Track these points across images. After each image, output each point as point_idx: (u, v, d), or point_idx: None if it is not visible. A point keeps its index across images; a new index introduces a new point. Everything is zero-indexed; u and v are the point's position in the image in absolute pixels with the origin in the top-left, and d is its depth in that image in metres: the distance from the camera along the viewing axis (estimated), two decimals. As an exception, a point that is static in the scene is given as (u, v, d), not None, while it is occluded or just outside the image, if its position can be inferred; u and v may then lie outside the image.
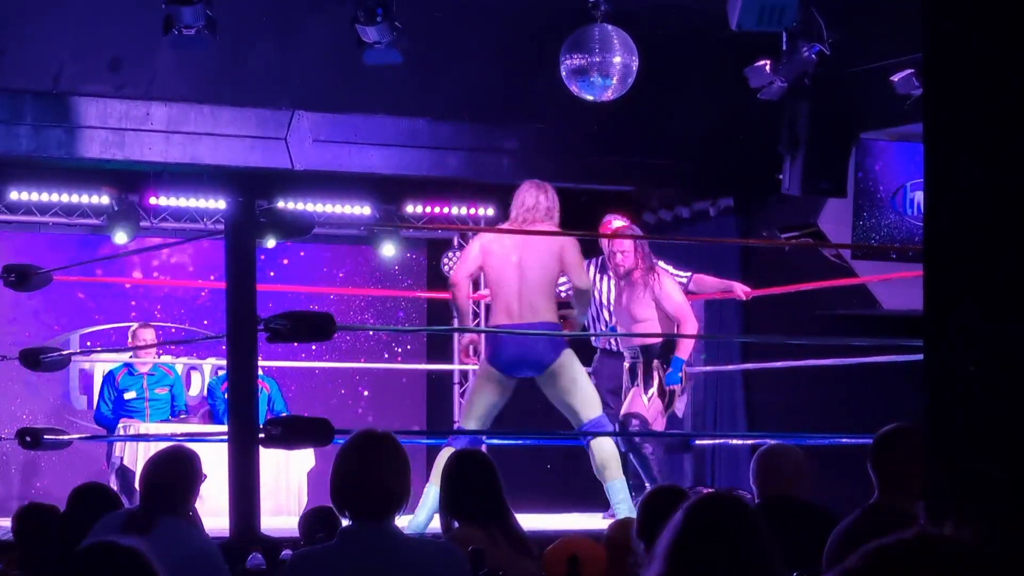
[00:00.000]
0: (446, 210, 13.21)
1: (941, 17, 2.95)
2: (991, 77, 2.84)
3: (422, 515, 8.19)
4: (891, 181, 10.87)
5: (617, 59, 9.70)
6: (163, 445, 5.86)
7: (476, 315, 12.31)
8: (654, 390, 9.12)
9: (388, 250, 13.24)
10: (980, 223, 2.84)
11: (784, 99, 10.08)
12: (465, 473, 5.11)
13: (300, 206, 12.23)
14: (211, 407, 11.61)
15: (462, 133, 11.46)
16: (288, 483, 10.53)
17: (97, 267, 12.06)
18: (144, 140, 10.75)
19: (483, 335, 8.50)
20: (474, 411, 8.46)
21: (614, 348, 9.73)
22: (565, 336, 8.54)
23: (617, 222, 9.59)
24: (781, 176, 10.46)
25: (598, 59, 9.68)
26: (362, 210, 12.83)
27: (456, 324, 8.55)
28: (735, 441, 11.58)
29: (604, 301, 9.81)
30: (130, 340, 11.12)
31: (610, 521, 8.97)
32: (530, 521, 7.43)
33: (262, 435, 6.10)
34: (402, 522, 4.25)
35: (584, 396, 8.38)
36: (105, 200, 12.18)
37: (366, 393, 13.34)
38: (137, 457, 10.17)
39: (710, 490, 6.78)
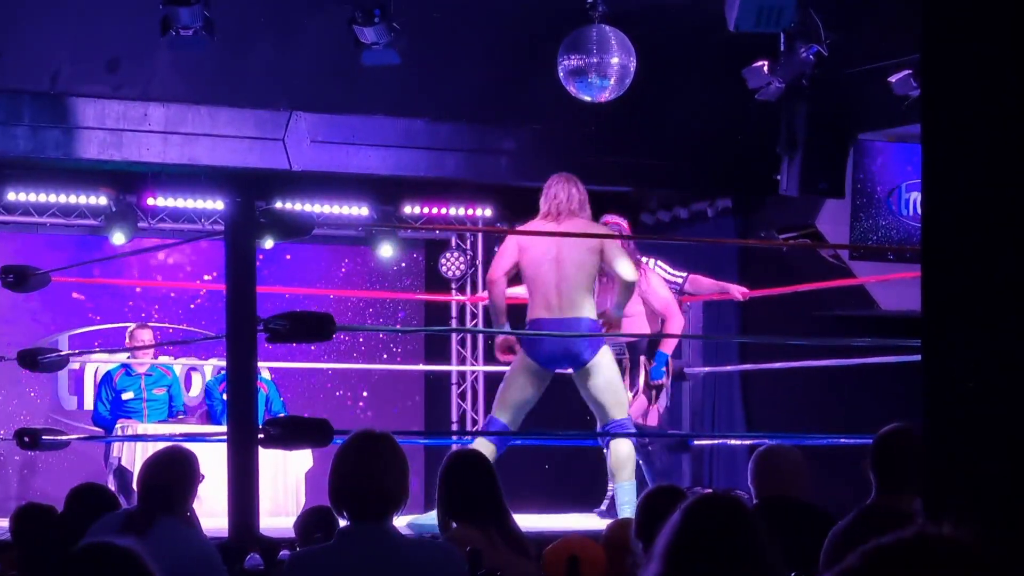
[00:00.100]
0: (444, 211, 13.22)
1: (939, 18, 2.95)
2: (989, 77, 2.84)
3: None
4: (889, 182, 10.88)
5: (615, 60, 9.70)
6: (161, 445, 5.86)
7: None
8: (639, 387, 9.14)
9: (386, 251, 13.24)
10: (978, 223, 2.84)
11: (782, 100, 10.09)
12: (463, 473, 5.11)
13: (298, 207, 12.23)
14: (209, 407, 11.60)
15: (460, 134, 11.46)
16: (286, 483, 10.53)
17: (95, 268, 12.06)
18: (142, 141, 10.74)
19: (523, 329, 8.47)
20: (509, 402, 8.46)
21: None
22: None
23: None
24: (779, 177, 10.46)
25: (596, 60, 9.69)
26: (360, 211, 12.83)
27: (493, 321, 8.52)
28: (733, 441, 11.58)
29: None
30: (128, 341, 11.12)
31: (602, 518, 9.01)
32: (528, 521, 7.43)
33: (261, 436, 6.10)
34: (401, 522, 4.24)
35: (615, 396, 8.44)
36: (103, 201, 12.18)
37: (364, 394, 13.34)
38: (135, 457, 10.17)
39: (708, 491, 6.78)
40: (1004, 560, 1.84)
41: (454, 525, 5.02)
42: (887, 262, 10.59)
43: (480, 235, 13.66)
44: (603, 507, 9.27)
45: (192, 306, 12.90)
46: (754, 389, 11.85)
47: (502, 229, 13.46)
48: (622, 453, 8.50)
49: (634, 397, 9.09)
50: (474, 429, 13.15)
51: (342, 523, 4.23)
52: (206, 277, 12.72)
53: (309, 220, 7.05)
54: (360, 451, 4.20)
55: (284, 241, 10.08)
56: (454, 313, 13.69)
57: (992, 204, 2.82)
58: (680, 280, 9.57)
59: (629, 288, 8.43)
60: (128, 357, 11.27)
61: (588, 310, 8.31)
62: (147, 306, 12.77)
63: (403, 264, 13.56)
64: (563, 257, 8.25)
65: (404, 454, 4.24)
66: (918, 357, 3.04)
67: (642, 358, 8.98)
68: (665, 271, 9.49)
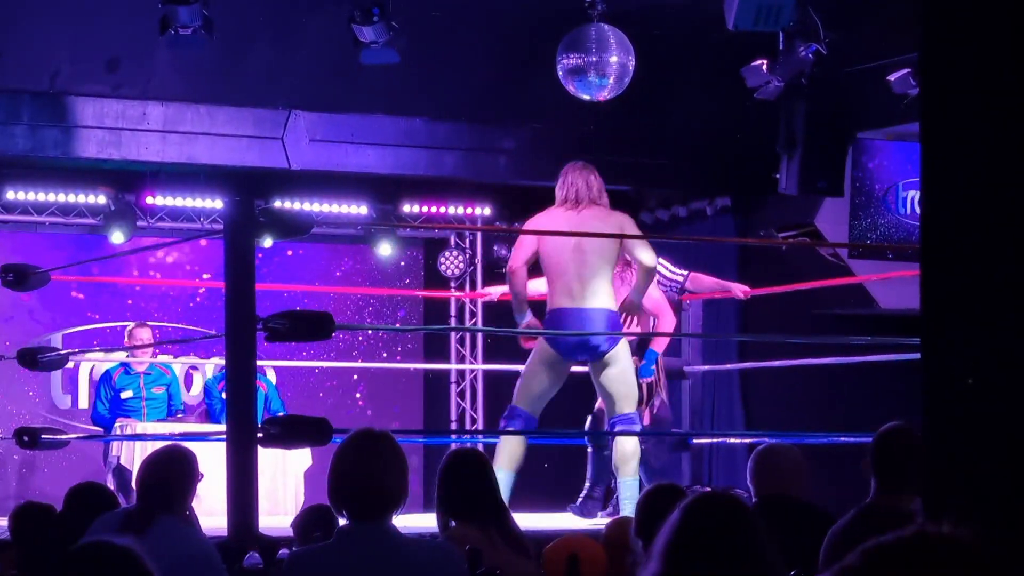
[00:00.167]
0: (443, 209, 13.21)
1: (937, 16, 2.95)
2: (988, 76, 2.84)
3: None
4: (887, 180, 10.88)
5: (614, 59, 9.70)
6: (160, 444, 5.86)
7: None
8: None
9: (385, 249, 13.24)
10: (977, 222, 2.84)
11: (781, 99, 10.08)
12: (461, 472, 5.11)
13: (297, 206, 12.23)
14: (208, 406, 11.60)
15: (459, 133, 11.46)
16: (285, 482, 10.53)
17: (94, 267, 12.05)
18: (141, 140, 10.74)
19: (544, 319, 8.46)
20: (530, 392, 8.48)
21: None
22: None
23: None
24: (778, 175, 10.46)
25: (595, 59, 9.68)
26: (359, 209, 12.82)
27: (515, 309, 8.51)
28: (732, 440, 11.58)
29: None
30: (127, 339, 11.11)
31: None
32: (527, 520, 7.43)
33: (260, 434, 6.10)
34: (400, 521, 4.24)
35: (627, 389, 8.49)
36: (102, 200, 12.17)
37: (364, 392, 13.34)
38: (134, 456, 10.16)
39: (707, 489, 6.78)
40: (1004, 560, 1.84)
41: (453, 524, 5.02)
42: (886, 260, 10.59)
43: (479, 234, 13.66)
44: (577, 502, 9.26)
45: (191, 304, 12.90)
46: (753, 388, 11.85)
47: (501, 228, 13.47)
48: (627, 448, 8.52)
49: None
50: (474, 428, 13.15)
51: (341, 522, 4.23)
52: (205, 276, 12.71)
53: (308, 219, 7.05)
54: (359, 450, 4.20)
55: (283, 240, 10.08)
56: (453, 312, 13.69)
57: (991, 203, 2.82)
58: (681, 278, 9.58)
59: (649, 274, 8.49)
60: (127, 356, 11.27)
61: (609, 300, 8.33)
62: (146, 305, 12.76)
63: (402, 263, 13.56)
64: (584, 246, 8.25)
65: (403, 453, 4.24)
66: (917, 356, 3.04)
67: (634, 358, 9.00)
68: (667, 269, 9.49)
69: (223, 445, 6.16)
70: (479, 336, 13.47)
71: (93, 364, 12.47)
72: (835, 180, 10.49)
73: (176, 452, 5.25)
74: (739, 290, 9.75)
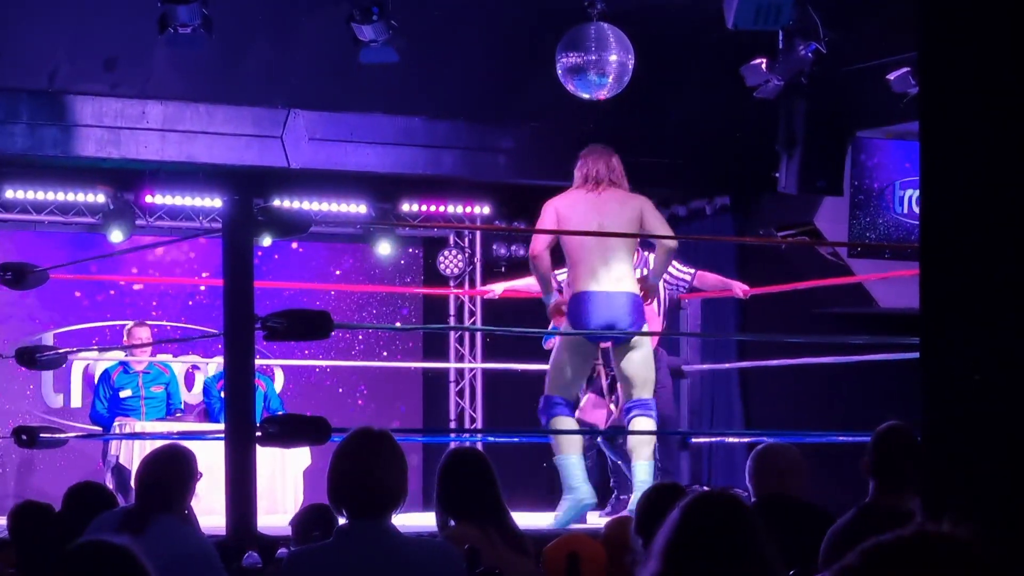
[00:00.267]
0: (442, 208, 13.21)
1: (937, 16, 2.95)
2: (987, 75, 2.84)
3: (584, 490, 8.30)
4: (885, 179, 10.88)
5: (613, 57, 9.70)
6: (159, 443, 5.85)
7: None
8: (589, 393, 9.22)
9: (384, 248, 13.24)
10: (976, 221, 2.84)
11: (780, 97, 10.08)
12: (460, 471, 5.10)
13: (296, 204, 12.22)
14: (207, 405, 11.60)
15: (458, 132, 11.46)
16: (284, 481, 10.53)
17: (92, 265, 12.05)
18: (140, 138, 10.74)
19: (569, 301, 8.44)
20: (563, 379, 8.48)
21: None
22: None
23: None
24: (777, 174, 10.46)
25: (594, 57, 9.68)
26: (358, 208, 12.82)
27: (543, 291, 8.52)
28: (731, 439, 11.58)
29: None
30: (125, 339, 11.11)
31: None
32: (526, 519, 7.43)
33: (259, 433, 6.10)
34: (399, 520, 4.24)
35: (646, 375, 8.50)
36: (101, 198, 12.16)
37: (363, 391, 13.34)
38: (133, 455, 10.16)
39: (706, 488, 6.78)
40: (1004, 559, 1.84)
41: (452, 523, 5.02)
42: (886, 259, 10.59)
43: (478, 233, 13.67)
44: (607, 509, 9.36)
45: (190, 303, 12.89)
46: (753, 387, 11.85)
47: (500, 227, 13.47)
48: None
49: (585, 403, 9.18)
50: (473, 427, 13.15)
51: (340, 521, 4.23)
52: (204, 275, 12.71)
53: (306, 218, 7.05)
54: (359, 449, 4.20)
55: (282, 239, 10.07)
56: (452, 311, 13.69)
57: (991, 202, 2.82)
58: (689, 276, 9.61)
59: (669, 254, 8.57)
60: (126, 355, 11.26)
61: (632, 284, 8.34)
62: (145, 303, 12.76)
63: (402, 262, 13.56)
64: (606, 227, 8.24)
65: (403, 452, 4.24)
66: (917, 355, 3.04)
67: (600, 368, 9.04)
68: (675, 267, 9.51)
69: (222, 444, 6.15)
70: (478, 335, 13.47)
71: (87, 363, 12.46)
72: (834, 179, 10.49)
73: (175, 451, 5.25)
74: (739, 288, 9.76)
